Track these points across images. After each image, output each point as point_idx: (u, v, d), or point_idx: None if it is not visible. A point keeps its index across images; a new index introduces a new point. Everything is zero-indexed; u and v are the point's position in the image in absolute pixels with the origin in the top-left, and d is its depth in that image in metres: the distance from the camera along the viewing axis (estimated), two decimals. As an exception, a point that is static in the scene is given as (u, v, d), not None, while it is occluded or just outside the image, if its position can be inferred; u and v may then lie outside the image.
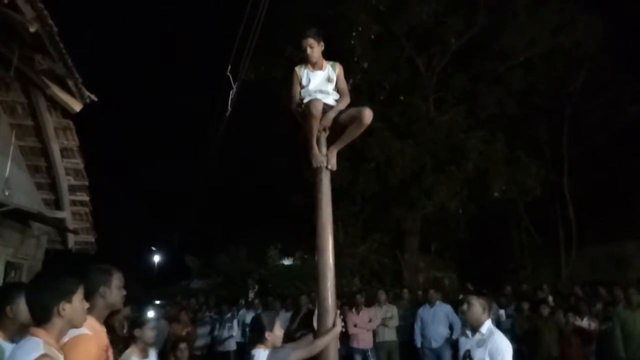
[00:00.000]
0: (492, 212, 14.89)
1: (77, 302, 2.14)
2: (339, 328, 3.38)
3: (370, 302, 9.02)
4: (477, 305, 3.54)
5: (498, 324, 7.82)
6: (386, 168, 12.44)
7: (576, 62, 13.19)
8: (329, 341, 3.32)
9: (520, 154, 12.43)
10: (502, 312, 7.91)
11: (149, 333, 4.19)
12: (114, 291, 2.54)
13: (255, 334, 3.44)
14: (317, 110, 3.50)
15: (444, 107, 13.74)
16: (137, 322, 4.29)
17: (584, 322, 7.27)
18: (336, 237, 12.83)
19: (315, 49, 3.81)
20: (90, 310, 2.33)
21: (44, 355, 1.91)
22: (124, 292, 2.61)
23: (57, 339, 2.09)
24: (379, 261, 13.50)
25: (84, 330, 2.26)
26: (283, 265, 15.49)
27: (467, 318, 3.60)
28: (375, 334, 8.27)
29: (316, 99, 3.57)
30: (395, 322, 8.36)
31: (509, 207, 14.95)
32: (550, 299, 8.15)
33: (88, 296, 2.32)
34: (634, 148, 13.05)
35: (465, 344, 3.64)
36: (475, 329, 3.55)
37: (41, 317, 2.08)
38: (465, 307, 3.60)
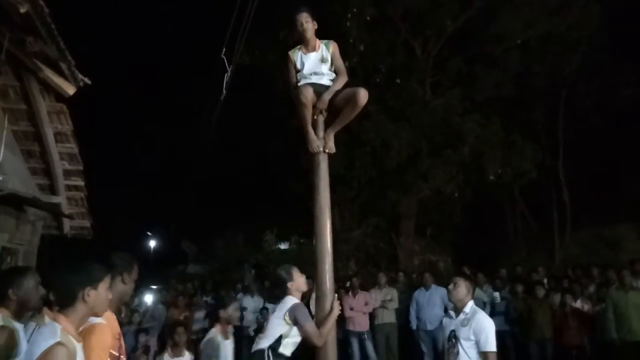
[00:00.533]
0: (488, 196, 14.97)
1: (102, 290, 2.15)
2: (337, 311, 3.42)
3: (366, 285, 9.10)
4: (462, 287, 3.68)
5: (492, 306, 7.94)
6: (382, 152, 12.43)
7: (572, 44, 13.13)
8: (331, 326, 3.38)
9: (516, 137, 12.44)
10: (496, 294, 7.99)
11: (234, 313, 4.32)
12: (131, 283, 2.60)
13: (279, 289, 3.56)
14: (306, 98, 3.50)
15: (440, 90, 13.70)
16: (220, 303, 4.42)
17: (577, 304, 7.36)
18: (333, 222, 12.99)
19: (309, 24, 3.80)
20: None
21: (58, 343, 1.92)
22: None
23: (77, 325, 2.10)
24: (375, 245, 13.61)
25: (99, 319, 2.28)
26: (279, 249, 15.57)
27: (452, 298, 3.72)
28: (374, 316, 8.36)
29: (304, 86, 3.57)
30: (395, 305, 8.43)
31: (505, 191, 15.02)
32: (545, 281, 8.24)
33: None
34: (629, 131, 13.09)
35: (449, 324, 3.76)
36: (459, 310, 3.68)
37: (65, 300, 2.10)
38: (451, 287, 3.72)
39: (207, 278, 13.49)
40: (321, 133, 3.84)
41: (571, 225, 14.57)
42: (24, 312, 2.70)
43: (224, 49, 9.34)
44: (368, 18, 12.69)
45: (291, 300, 3.44)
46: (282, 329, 3.29)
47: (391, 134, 12.21)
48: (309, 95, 3.53)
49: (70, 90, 6.66)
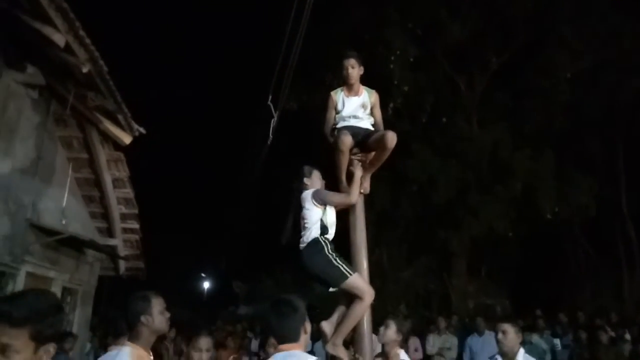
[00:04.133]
0: (546, 233, 14.23)
1: (156, 313, 2.48)
2: (359, 172, 3.55)
3: (417, 329, 8.76)
4: (512, 333, 3.45)
5: (553, 353, 7.40)
6: (429, 188, 12.24)
7: (626, 72, 12.60)
8: (357, 187, 3.50)
9: (571, 171, 11.91)
10: (557, 341, 7.46)
11: None
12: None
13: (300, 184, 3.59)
14: (344, 144, 3.47)
15: (487, 125, 13.44)
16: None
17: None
18: (380, 261, 12.81)
19: (355, 69, 3.84)
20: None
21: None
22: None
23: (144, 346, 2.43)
24: (425, 286, 13.15)
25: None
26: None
27: (504, 347, 3.48)
28: (427, 363, 7.95)
29: (344, 133, 3.54)
30: (453, 355, 7.93)
31: (563, 226, 14.23)
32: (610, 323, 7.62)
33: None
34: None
35: None
36: (511, 359, 3.45)
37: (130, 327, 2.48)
38: (500, 335, 3.48)
39: (257, 319, 13.48)
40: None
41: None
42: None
43: (270, 96, 9.75)
44: (411, 59, 12.84)
45: (310, 190, 3.45)
46: (318, 215, 3.33)
47: (438, 171, 12.04)
48: (347, 142, 3.49)
49: (127, 139, 7.16)
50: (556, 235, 15.07)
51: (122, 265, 8.93)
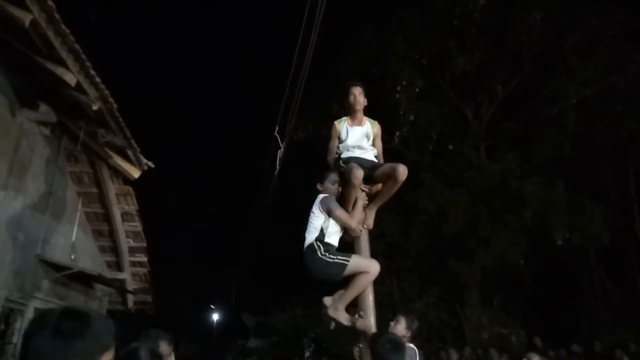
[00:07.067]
0: (561, 263, 13.95)
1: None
2: (362, 197, 3.61)
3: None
4: None
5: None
6: (439, 219, 12.14)
7: (635, 99, 12.58)
8: (360, 212, 3.57)
9: (583, 199, 11.75)
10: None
11: None
12: None
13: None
14: (357, 179, 3.44)
15: (496, 154, 13.41)
16: None
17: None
18: (391, 292, 12.61)
19: (361, 97, 3.88)
20: None
21: None
22: None
23: None
24: (438, 317, 12.88)
25: None
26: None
27: None
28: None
29: (357, 168, 3.51)
30: None
31: (579, 256, 13.95)
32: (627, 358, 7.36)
33: None
34: None
35: None
36: None
37: None
38: None
39: (267, 352, 13.27)
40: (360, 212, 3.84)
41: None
42: None
43: (277, 127, 9.89)
44: (417, 89, 12.97)
45: (320, 195, 3.52)
46: (320, 221, 3.39)
47: (447, 200, 11.96)
48: (360, 176, 3.45)
49: (136, 173, 7.26)
50: (572, 265, 14.77)
51: (131, 299, 8.90)
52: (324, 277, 3.29)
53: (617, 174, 14.03)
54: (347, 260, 3.22)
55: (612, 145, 13.51)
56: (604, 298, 15.04)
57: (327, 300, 3.38)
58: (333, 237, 3.42)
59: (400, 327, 4.06)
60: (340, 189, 3.66)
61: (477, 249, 12.10)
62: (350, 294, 3.29)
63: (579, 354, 8.09)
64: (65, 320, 1.20)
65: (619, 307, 14.19)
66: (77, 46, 5.17)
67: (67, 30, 4.97)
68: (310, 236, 3.39)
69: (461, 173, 12.79)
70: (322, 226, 3.40)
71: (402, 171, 3.45)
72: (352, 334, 3.52)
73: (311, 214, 3.50)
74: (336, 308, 3.29)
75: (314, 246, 3.32)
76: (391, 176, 3.55)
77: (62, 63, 5.20)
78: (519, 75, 13.44)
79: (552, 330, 12.43)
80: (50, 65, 5.23)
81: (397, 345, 2.35)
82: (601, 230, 11.32)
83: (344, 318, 3.29)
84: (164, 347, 3.07)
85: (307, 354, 13.62)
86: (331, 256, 3.27)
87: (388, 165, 3.71)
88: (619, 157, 13.79)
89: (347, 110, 3.99)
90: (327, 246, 3.34)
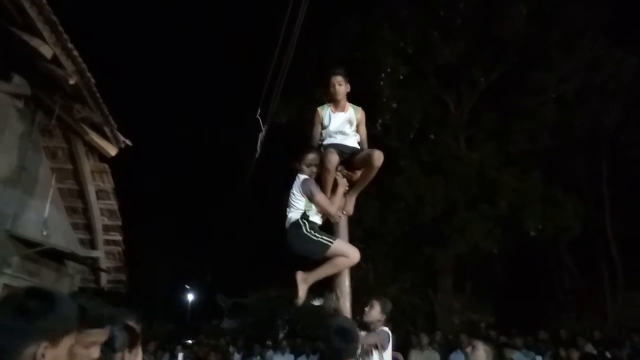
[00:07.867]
0: (531, 252, 14.33)
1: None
2: (343, 185, 3.64)
3: (401, 345, 8.71)
4: (481, 351, 3.46)
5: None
6: (416, 206, 12.29)
7: (610, 96, 12.86)
8: (340, 199, 3.59)
9: (556, 191, 12.03)
10: (538, 358, 7.50)
11: None
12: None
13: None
14: (331, 164, 3.47)
15: (475, 144, 13.58)
16: None
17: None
18: (366, 277, 12.75)
19: (342, 87, 3.87)
20: None
21: None
22: None
23: None
24: (411, 302, 13.13)
25: None
26: (313, 305, 15.28)
27: None
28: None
29: (331, 152, 3.54)
30: None
31: (549, 246, 14.35)
32: (590, 345, 7.65)
33: None
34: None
35: None
36: None
37: None
38: (469, 350, 3.53)
39: (240, 333, 13.35)
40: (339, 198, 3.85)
41: (625, 284, 13.63)
42: None
43: (259, 109, 9.76)
44: (401, 77, 12.96)
45: (301, 176, 3.53)
46: (301, 203, 3.43)
47: (425, 188, 12.10)
48: (334, 161, 3.48)
49: (112, 151, 7.12)
50: (542, 255, 15.19)
51: (104, 277, 8.80)
52: (305, 253, 3.34)
53: (591, 168, 14.39)
54: (331, 242, 3.28)
55: (586, 140, 13.83)
56: (571, 288, 15.57)
57: (300, 273, 3.43)
58: (316, 217, 3.47)
59: (374, 312, 4.15)
60: (316, 171, 3.65)
61: (452, 236, 12.32)
62: (323, 270, 3.35)
63: (545, 341, 8.36)
64: (30, 299, 1.20)
65: (585, 296, 14.73)
66: (54, 17, 4.99)
67: (44, 1, 4.78)
68: (294, 214, 3.42)
69: (440, 161, 12.94)
70: (305, 208, 3.43)
71: (378, 157, 3.47)
72: (325, 315, 3.61)
73: (291, 195, 3.51)
74: (304, 279, 3.36)
75: (299, 223, 3.36)
76: (367, 162, 3.57)
77: (38, 34, 5.01)
78: (502, 66, 13.56)
79: (520, 317, 12.82)
80: (26, 37, 5.04)
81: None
82: (573, 222, 11.64)
83: (302, 290, 3.34)
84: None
85: (280, 335, 13.74)
86: (316, 234, 3.31)
87: (365, 151, 3.73)
88: (593, 152, 14.14)
89: (329, 99, 3.97)
90: (312, 224, 3.38)
